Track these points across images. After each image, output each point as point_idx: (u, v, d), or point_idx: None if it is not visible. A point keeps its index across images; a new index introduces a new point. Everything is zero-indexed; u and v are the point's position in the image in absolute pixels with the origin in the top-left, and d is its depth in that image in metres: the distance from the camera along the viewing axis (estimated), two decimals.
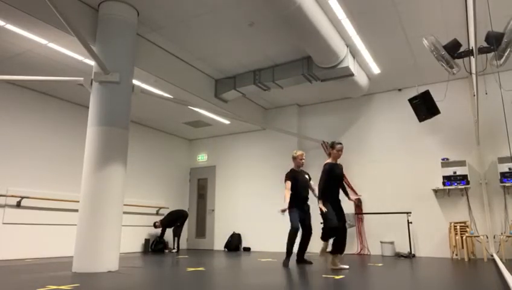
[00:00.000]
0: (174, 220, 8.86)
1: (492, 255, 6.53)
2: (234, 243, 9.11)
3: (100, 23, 5.15)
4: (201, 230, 10.17)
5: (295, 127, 9.10)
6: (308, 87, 7.82)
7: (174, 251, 8.65)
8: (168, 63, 6.60)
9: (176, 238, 8.78)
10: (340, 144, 5.19)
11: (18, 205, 6.59)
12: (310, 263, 5.62)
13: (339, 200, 5.14)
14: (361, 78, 7.12)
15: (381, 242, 7.51)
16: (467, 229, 6.57)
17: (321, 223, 5.19)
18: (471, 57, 4.69)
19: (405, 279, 3.97)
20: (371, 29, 5.92)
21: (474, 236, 6.56)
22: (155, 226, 8.82)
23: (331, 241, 5.18)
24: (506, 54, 4.08)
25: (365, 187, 8.15)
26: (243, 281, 3.71)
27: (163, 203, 9.60)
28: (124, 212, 4.88)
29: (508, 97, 6.75)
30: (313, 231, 5.78)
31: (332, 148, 5.16)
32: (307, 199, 5.74)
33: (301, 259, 5.69)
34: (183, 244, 10.07)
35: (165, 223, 8.80)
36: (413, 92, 5.89)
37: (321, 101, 9.10)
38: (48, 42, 5.46)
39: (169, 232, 8.93)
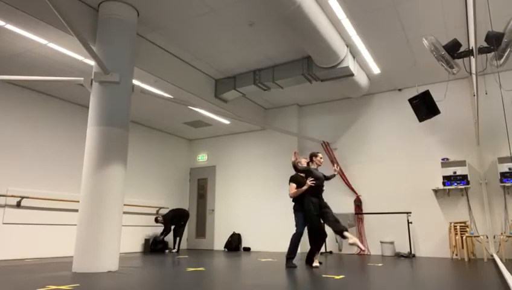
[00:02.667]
0: (178, 217, 8.78)
1: (492, 255, 6.53)
2: (234, 243, 9.11)
3: (100, 23, 5.15)
4: (201, 230, 10.17)
5: (295, 127, 9.10)
6: (308, 87, 7.82)
7: (174, 250, 8.64)
8: (168, 63, 6.60)
9: (178, 239, 8.74)
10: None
11: (18, 205, 6.59)
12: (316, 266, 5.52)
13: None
14: (361, 78, 7.12)
15: (381, 242, 7.51)
16: (467, 229, 6.57)
17: None
18: (471, 57, 4.70)
19: (405, 279, 3.97)
20: (371, 29, 5.92)
21: (474, 236, 6.56)
22: (156, 220, 8.67)
23: None
24: (506, 54, 4.08)
25: (365, 187, 8.15)
26: (243, 281, 3.71)
27: (163, 203, 9.60)
28: (124, 212, 4.88)
29: (508, 97, 6.75)
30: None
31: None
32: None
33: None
34: (183, 244, 10.06)
35: (167, 219, 8.66)
36: (413, 92, 5.88)
37: (321, 101, 9.10)
38: (47, 42, 5.46)
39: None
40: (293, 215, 5.60)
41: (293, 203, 5.54)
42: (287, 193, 8.68)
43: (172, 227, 8.82)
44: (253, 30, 5.92)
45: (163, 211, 9.42)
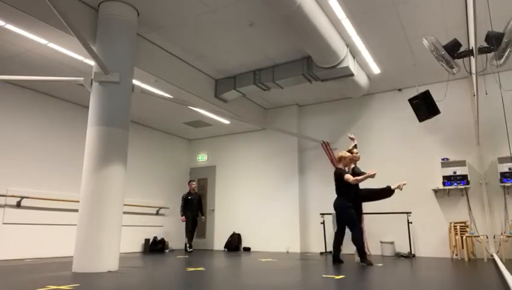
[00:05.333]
0: (194, 205, 8.72)
1: (492, 255, 6.53)
2: (234, 243, 9.11)
3: (100, 23, 5.15)
4: (201, 230, 10.16)
5: (295, 127, 9.10)
6: (308, 87, 7.82)
7: (190, 250, 8.48)
8: (168, 63, 6.60)
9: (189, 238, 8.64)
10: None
11: (18, 205, 6.59)
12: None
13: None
14: (361, 78, 7.12)
15: (381, 242, 7.51)
16: (467, 229, 6.57)
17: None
18: (471, 57, 4.70)
19: (405, 279, 3.97)
20: (371, 29, 5.92)
21: (474, 236, 6.56)
22: (191, 183, 8.99)
23: None
24: (506, 54, 4.08)
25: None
26: (243, 281, 3.71)
27: (163, 203, 9.60)
28: (124, 212, 4.88)
29: (508, 97, 6.74)
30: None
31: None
32: None
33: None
34: (184, 244, 10.06)
35: (183, 197, 8.85)
36: (413, 92, 5.89)
37: (321, 101, 9.09)
38: (47, 42, 5.47)
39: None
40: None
41: (346, 201, 5.59)
42: (288, 193, 8.74)
43: (183, 217, 8.63)
44: (253, 30, 5.92)
45: (164, 211, 9.42)
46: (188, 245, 8.55)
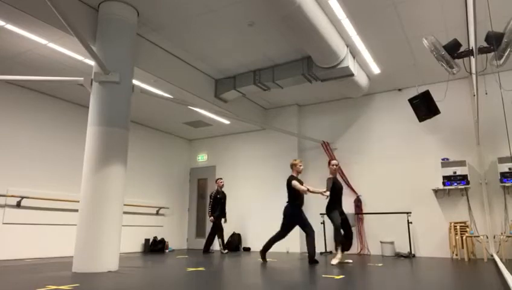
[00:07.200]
0: (222, 205, 8.26)
1: (492, 255, 6.53)
2: (234, 243, 9.11)
3: (100, 23, 5.15)
4: (201, 230, 10.16)
5: (295, 127, 9.10)
6: (308, 87, 7.82)
7: (225, 251, 8.15)
8: (168, 63, 6.60)
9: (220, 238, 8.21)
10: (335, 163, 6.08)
11: (18, 205, 6.59)
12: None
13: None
14: (361, 78, 7.11)
15: (381, 242, 7.51)
16: (467, 229, 6.57)
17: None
18: (471, 57, 4.70)
19: (405, 279, 3.97)
20: (371, 29, 5.92)
21: (474, 236, 6.56)
22: (218, 182, 8.41)
23: None
24: (506, 54, 4.08)
25: (365, 187, 8.14)
26: (243, 281, 3.71)
27: (163, 203, 9.60)
28: (124, 212, 4.88)
29: (508, 97, 6.75)
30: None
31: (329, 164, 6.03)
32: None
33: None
34: (184, 244, 10.07)
35: (213, 196, 8.25)
36: (413, 92, 5.89)
37: (321, 101, 9.10)
38: (47, 42, 5.47)
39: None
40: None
41: (294, 207, 6.00)
42: (286, 193, 8.73)
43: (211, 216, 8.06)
44: (253, 30, 5.92)
45: (164, 211, 9.42)
46: (222, 246, 8.12)
